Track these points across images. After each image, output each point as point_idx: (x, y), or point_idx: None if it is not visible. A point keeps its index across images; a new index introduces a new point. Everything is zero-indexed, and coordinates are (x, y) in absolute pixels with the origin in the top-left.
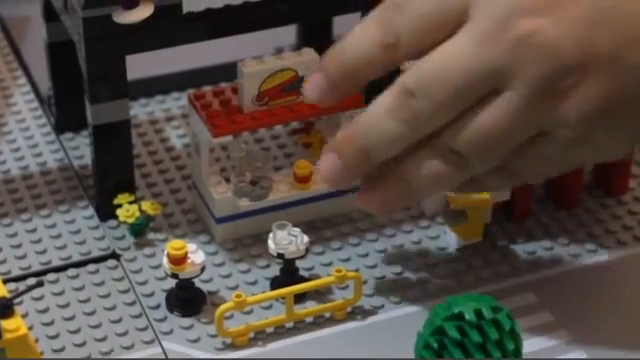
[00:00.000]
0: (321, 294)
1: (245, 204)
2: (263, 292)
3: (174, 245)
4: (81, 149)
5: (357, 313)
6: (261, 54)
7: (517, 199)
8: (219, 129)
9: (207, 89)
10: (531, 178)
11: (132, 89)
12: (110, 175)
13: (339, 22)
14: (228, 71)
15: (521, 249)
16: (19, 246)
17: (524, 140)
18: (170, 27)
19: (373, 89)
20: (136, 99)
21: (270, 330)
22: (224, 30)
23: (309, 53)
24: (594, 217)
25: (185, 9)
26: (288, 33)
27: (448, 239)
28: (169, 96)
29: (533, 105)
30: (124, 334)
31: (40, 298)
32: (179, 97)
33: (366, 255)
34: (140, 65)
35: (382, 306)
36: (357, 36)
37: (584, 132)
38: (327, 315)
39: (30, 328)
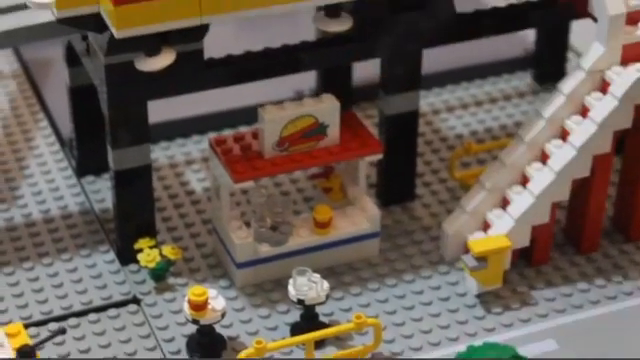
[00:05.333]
0: (341, 340)
1: (265, 249)
2: (283, 338)
3: (195, 291)
4: (102, 192)
5: (377, 359)
6: (280, 97)
7: (536, 245)
8: (240, 175)
9: (228, 134)
10: None
11: (153, 132)
12: (131, 219)
13: (359, 65)
14: (248, 114)
15: (540, 295)
16: (40, 290)
17: None
18: (191, 73)
19: None
20: (157, 142)
21: None
22: (244, 76)
23: (329, 99)
24: (613, 263)
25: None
26: (308, 75)
27: (468, 285)
28: (190, 139)
29: None
30: None
31: (61, 343)
32: (200, 140)
33: (385, 301)
34: (161, 108)
35: (402, 352)
36: None
37: None
38: None
39: None
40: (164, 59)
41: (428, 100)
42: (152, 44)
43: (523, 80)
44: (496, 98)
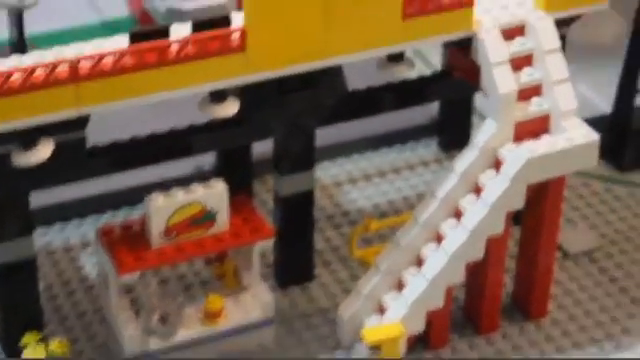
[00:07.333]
0: None
1: (155, 342)
2: None
3: None
4: None
5: None
6: (181, 173)
7: (432, 328)
8: (125, 267)
9: (115, 222)
10: None
11: (48, 214)
12: (16, 314)
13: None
14: (148, 192)
15: None
16: None
17: None
18: (73, 163)
19: None
20: (52, 224)
21: None
22: (131, 163)
23: (218, 185)
24: (512, 344)
25: None
26: None
27: None
28: (86, 220)
29: None
30: None
31: None
32: (97, 219)
33: None
34: (54, 190)
35: None
36: None
37: None
38: None
39: None
40: (41, 152)
41: (331, 172)
42: (28, 137)
43: (429, 147)
44: (400, 168)
